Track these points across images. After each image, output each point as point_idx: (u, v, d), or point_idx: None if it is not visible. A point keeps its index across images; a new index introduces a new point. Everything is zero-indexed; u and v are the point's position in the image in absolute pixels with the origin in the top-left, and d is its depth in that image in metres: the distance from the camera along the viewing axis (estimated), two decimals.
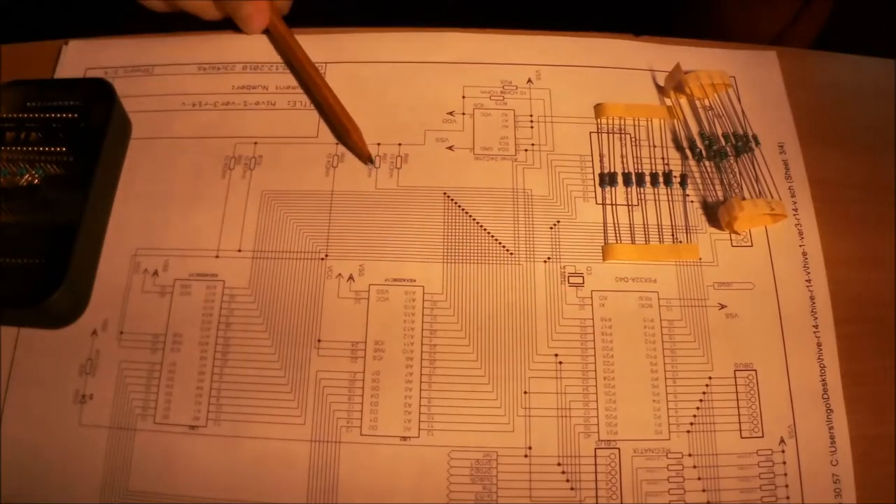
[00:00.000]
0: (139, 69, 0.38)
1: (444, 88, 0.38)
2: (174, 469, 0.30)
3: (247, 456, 0.31)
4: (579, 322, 0.33)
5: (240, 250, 0.34)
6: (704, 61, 0.39)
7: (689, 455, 0.31)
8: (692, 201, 0.36)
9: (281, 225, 0.35)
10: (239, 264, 0.34)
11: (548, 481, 0.30)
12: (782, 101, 0.38)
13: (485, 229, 0.35)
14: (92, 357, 0.32)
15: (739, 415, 0.32)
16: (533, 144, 0.37)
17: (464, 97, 0.38)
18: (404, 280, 0.34)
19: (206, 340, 0.32)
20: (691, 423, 0.31)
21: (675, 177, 0.36)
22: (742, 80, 0.39)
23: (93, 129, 0.34)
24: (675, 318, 0.33)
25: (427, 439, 0.31)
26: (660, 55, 0.39)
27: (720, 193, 0.36)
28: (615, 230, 0.35)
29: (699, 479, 0.31)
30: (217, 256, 0.34)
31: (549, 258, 0.34)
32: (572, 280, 0.34)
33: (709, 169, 0.36)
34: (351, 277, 0.34)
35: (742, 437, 0.31)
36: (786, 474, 0.31)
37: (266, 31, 0.39)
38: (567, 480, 0.31)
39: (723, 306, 0.33)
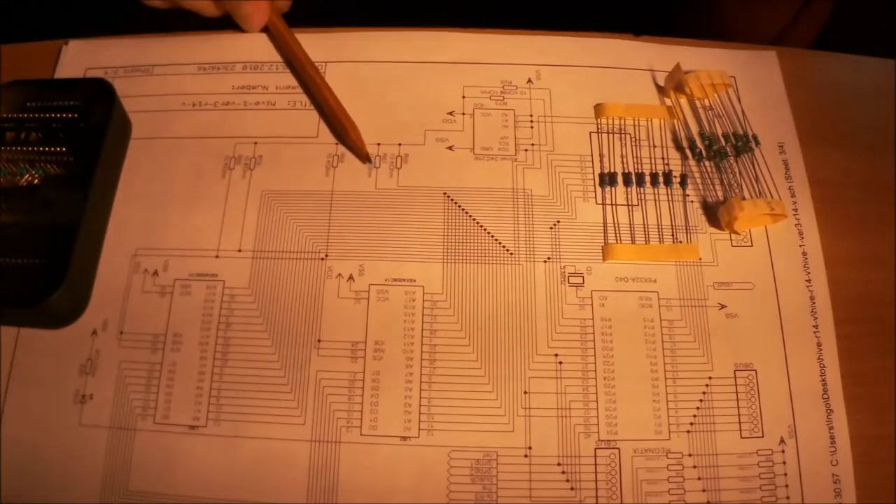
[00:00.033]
0: (139, 69, 0.38)
1: (444, 88, 0.38)
2: (174, 469, 0.30)
3: (247, 456, 0.31)
4: (579, 322, 0.33)
5: (240, 250, 0.34)
6: (704, 61, 0.39)
7: (689, 455, 0.31)
8: (692, 201, 0.36)
9: (281, 225, 0.35)
10: (239, 264, 0.34)
11: (548, 481, 0.30)
12: (782, 101, 0.38)
13: (485, 229, 0.35)
14: (92, 357, 0.32)
15: (739, 415, 0.32)
16: (533, 144, 0.37)
17: (464, 97, 0.38)
18: (404, 280, 0.34)
19: (206, 340, 0.32)
20: (691, 423, 0.31)
21: (675, 177, 0.36)
22: (742, 80, 0.39)
23: (93, 129, 0.34)
24: (675, 318, 0.33)
25: (427, 439, 0.31)
26: (660, 55, 0.39)
27: (720, 193, 0.36)
28: (615, 230, 0.35)
29: (699, 479, 0.31)
30: (217, 256, 0.34)
31: (549, 258, 0.34)
32: (572, 280, 0.34)
33: (709, 169, 0.36)
34: (351, 277, 0.34)
35: (742, 437, 0.31)
36: (786, 474, 0.31)
37: (266, 30, 0.39)
38: (567, 480, 0.31)
39: (723, 306, 0.33)
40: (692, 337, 0.33)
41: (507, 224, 0.35)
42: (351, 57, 0.39)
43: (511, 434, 0.31)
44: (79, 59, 0.39)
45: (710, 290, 0.34)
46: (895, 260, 0.35)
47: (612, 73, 0.39)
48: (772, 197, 0.35)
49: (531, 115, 0.38)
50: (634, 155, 0.37)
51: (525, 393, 0.32)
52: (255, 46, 0.39)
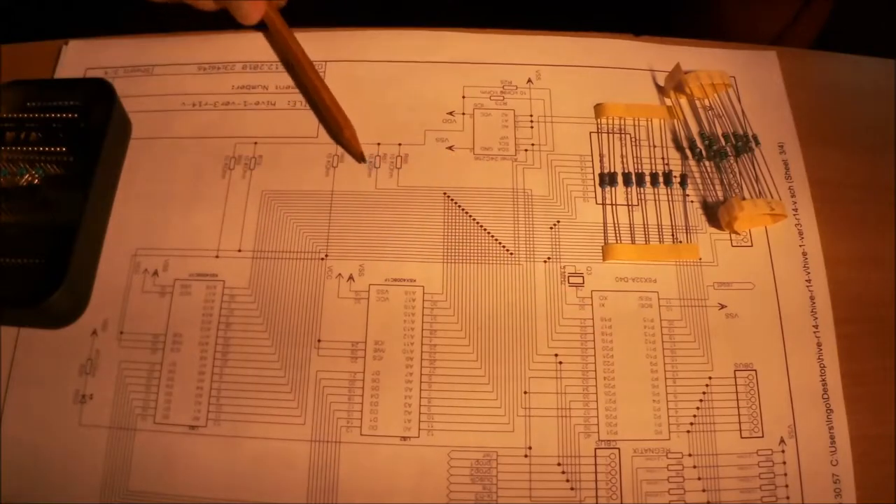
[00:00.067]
0: (139, 69, 0.38)
1: (444, 88, 0.38)
2: (174, 469, 0.30)
3: (247, 456, 0.31)
4: (579, 322, 0.33)
5: (240, 250, 0.34)
6: (704, 61, 0.39)
7: (689, 455, 0.31)
8: (692, 201, 0.36)
9: (281, 225, 0.35)
10: (239, 264, 0.34)
11: (548, 481, 0.30)
12: (782, 101, 0.38)
13: (485, 229, 0.35)
14: (92, 357, 0.32)
15: (739, 415, 0.32)
16: (533, 144, 0.37)
17: (464, 97, 0.38)
18: (404, 280, 0.34)
19: (206, 340, 0.32)
20: (691, 423, 0.31)
21: (675, 177, 0.36)
22: (742, 80, 0.39)
23: (93, 129, 0.34)
24: (675, 318, 0.33)
25: (427, 439, 0.31)
26: (660, 55, 0.39)
27: (720, 193, 0.36)
28: (615, 230, 0.35)
29: (699, 479, 0.31)
30: (217, 256, 0.34)
31: (549, 258, 0.34)
32: (572, 280, 0.34)
33: (709, 169, 0.36)
34: (351, 277, 0.34)
35: (742, 437, 0.31)
36: (786, 474, 0.31)
37: (263, 28, 0.39)
38: (567, 480, 0.31)
39: (723, 306, 0.33)
40: (692, 337, 0.33)
41: (507, 224, 0.35)
42: (351, 56, 0.39)
43: (511, 434, 0.31)
44: (79, 59, 0.39)
45: (710, 290, 0.34)
46: (895, 260, 0.35)
47: (612, 73, 0.39)
48: (772, 197, 0.35)
49: (531, 115, 0.38)
50: (634, 155, 0.37)
51: (525, 393, 0.32)
52: (255, 46, 0.39)
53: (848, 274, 0.34)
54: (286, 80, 0.38)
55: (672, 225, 0.35)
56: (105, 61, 0.39)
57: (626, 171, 0.36)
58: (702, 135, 0.37)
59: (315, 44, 0.38)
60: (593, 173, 0.36)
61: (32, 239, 0.32)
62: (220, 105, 0.38)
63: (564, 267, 0.34)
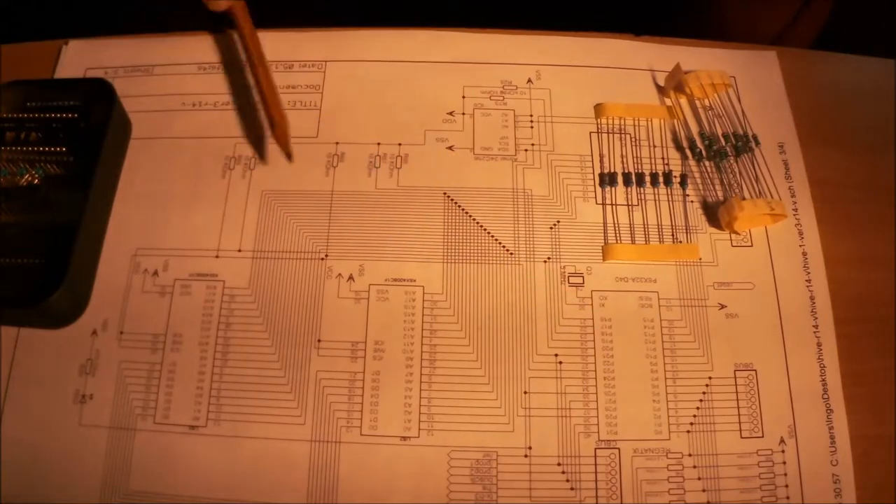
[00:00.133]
0: (139, 69, 0.38)
1: (444, 88, 0.38)
2: (174, 469, 0.30)
3: (247, 456, 0.31)
4: (579, 322, 0.33)
5: (240, 250, 0.34)
6: (704, 61, 0.39)
7: (689, 455, 0.31)
8: (692, 201, 0.36)
9: (281, 225, 0.35)
10: (239, 264, 0.34)
11: (548, 481, 0.30)
12: (782, 101, 0.38)
13: (485, 229, 0.35)
14: (92, 357, 0.32)
15: (739, 415, 0.32)
16: (533, 144, 0.37)
17: (464, 97, 0.38)
18: (404, 280, 0.34)
19: (206, 340, 0.32)
20: (691, 423, 0.31)
21: (675, 177, 0.36)
22: (742, 80, 0.39)
23: (93, 129, 0.34)
24: (675, 318, 0.33)
25: (427, 439, 0.31)
26: (660, 55, 0.39)
27: (720, 193, 0.36)
28: (615, 230, 0.35)
29: (699, 479, 0.31)
30: (217, 256, 0.34)
31: (549, 258, 0.34)
32: (572, 280, 0.34)
33: (709, 169, 0.36)
34: (351, 277, 0.34)
35: (742, 437, 0.31)
36: (786, 474, 0.31)
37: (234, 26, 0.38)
38: (567, 480, 0.31)
39: (723, 306, 0.33)
40: (692, 337, 0.33)
41: (507, 224, 0.35)
42: (351, 56, 0.39)
43: (511, 434, 0.31)
44: (79, 59, 0.39)
45: (710, 290, 0.34)
46: (895, 260, 0.35)
47: (612, 73, 0.39)
48: (772, 197, 0.35)
49: (531, 115, 0.38)
50: (634, 155, 0.37)
51: (525, 393, 0.32)
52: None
53: (848, 274, 0.34)
54: (286, 79, 0.38)
55: (672, 225, 0.35)
56: (105, 61, 0.39)
57: (626, 171, 0.36)
58: (702, 135, 0.37)
59: (315, 44, 0.38)
60: (593, 173, 0.36)
61: (32, 239, 0.32)
62: (220, 105, 0.38)
63: (564, 267, 0.34)
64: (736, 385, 0.32)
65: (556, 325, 0.33)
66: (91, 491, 0.30)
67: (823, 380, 0.32)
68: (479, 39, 0.40)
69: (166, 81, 0.38)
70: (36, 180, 0.33)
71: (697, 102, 0.38)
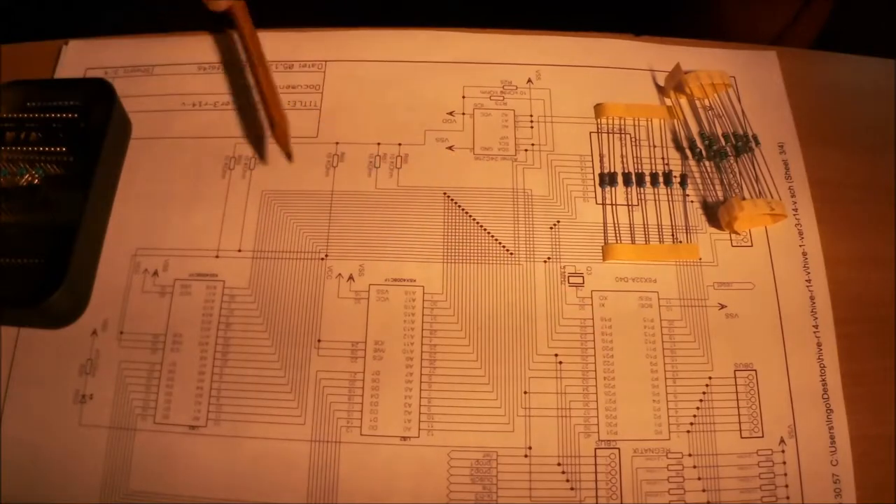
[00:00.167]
0: (139, 69, 0.38)
1: (444, 88, 0.38)
2: (174, 469, 0.30)
3: (247, 456, 0.31)
4: (579, 322, 0.33)
5: (240, 250, 0.34)
6: (704, 61, 0.39)
7: (689, 455, 0.31)
8: (692, 201, 0.36)
9: (281, 225, 0.35)
10: (239, 264, 0.34)
11: (548, 481, 0.30)
12: (782, 101, 0.38)
13: (485, 229, 0.35)
14: (92, 357, 0.32)
15: (739, 415, 0.32)
16: (533, 144, 0.37)
17: (464, 97, 0.38)
18: (404, 280, 0.34)
19: (206, 340, 0.32)
20: (691, 423, 0.31)
21: (675, 177, 0.36)
22: (742, 80, 0.39)
23: (93, 129, 0.34)
24: (675, 318, 0.33)
25: (427, 439, 0.31)
26: (660, 55, 0.39)
27: (720, 193, 0.36)
28: (615, 230, 0.35)
29: (699, 479, 0.31)
30: (217, 256, 0.34)
31: (549, 258, 0.34)
32: (572, 280, 0.34)
33: (709, 169, 0.36)
34: (351, 277, 0.34)
35: (742, 437, 0.31)
36: (786, 474, 0.31)
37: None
38: (567, 480, 0.31)
39: (723, 306, 0.33)
40: (692, 337, 0.33)
41: (507, 224, 0.35)
42: (351, 56, 0.39)
43: (511, 434, 0.31)
44: (79, 59, 0.39)
45: (710, 290, 0.34)
46: (895, 260, 0.35)
47: (612, 73, 0.39)
48: (772, 197, 0.35)
49: (531, 115, 0.38)
50: (634, 155, 0.37)
51: (525, 393, 0.32)
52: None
53: (848, 274, 0.34)
54: (286, 79, 0.38)
55: (672, 225, 0.35)
56: (105, 61, 0.39)
57: (626, 171, 0.36)
58: (702, 135, 0.37)
59: (315, 44, 0.38)
60: (593, 173, 0.36)
61: (32, 239, 0.32)
62: (220, 105, 0.38)
63: (564, 267, 0.34)
64: (736, 385, 0.32)
65: (556, 325, 0.33)
66: (91, 491, 0.30)
67: (823, 380, 0.32)
68: (479, 39, 0.40)
69: (166, 81, 0.38)
70: (36, 180, 0.33)
71: (697, 102, 0.38)
